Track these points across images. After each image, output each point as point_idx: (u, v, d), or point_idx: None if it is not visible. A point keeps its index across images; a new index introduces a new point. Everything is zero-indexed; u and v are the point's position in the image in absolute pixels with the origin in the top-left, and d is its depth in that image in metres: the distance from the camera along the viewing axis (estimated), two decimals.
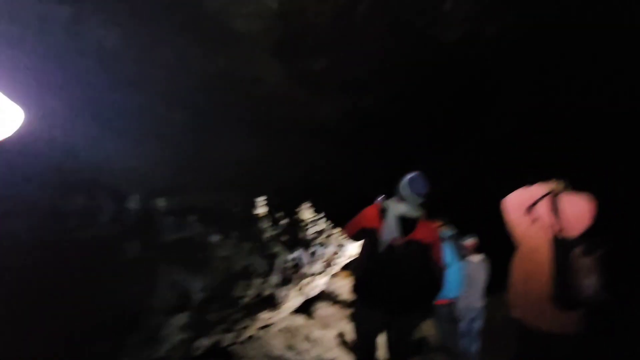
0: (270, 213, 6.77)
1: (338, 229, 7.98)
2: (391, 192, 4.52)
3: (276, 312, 5.95)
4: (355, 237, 4.44)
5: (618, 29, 5.36)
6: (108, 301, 3.36)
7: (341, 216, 6.10)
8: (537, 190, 3.96)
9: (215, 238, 4.84)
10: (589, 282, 3.29)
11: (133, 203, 4.64)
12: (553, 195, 3.93)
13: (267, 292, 6.05)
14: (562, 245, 3.49)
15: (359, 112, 6.12)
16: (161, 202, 5.14)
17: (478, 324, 6.78)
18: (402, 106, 6.16)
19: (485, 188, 6.57)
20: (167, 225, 4.95)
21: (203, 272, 4.95)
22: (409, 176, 4.29)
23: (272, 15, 5.41)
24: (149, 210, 4.82)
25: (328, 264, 7.77)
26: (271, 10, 5.36)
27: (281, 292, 5.87)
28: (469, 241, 7.06)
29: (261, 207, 6.64)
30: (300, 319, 7.52)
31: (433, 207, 4.65)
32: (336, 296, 8.82)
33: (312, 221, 7.43)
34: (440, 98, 6.33)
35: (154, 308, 3.86)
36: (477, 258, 6.93)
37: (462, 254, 6.86)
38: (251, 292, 5.75)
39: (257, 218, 6.51)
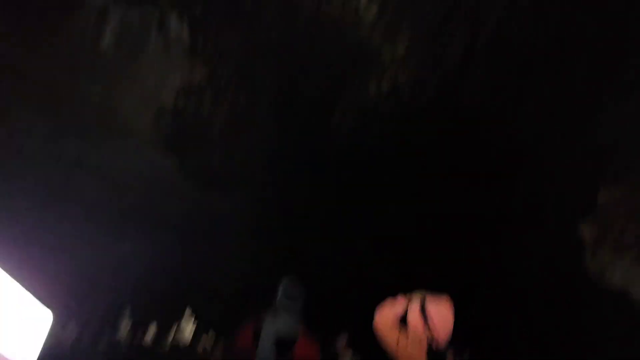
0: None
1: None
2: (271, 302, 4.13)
3: None
4: None
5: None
6: None
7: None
8: (403, 302, 3.97)
9: None
10: None
11: None
12: (420, 304, 3.97)
13: None
14: (436, 356, 3.47)
15: (257, 207, 6.07)
16: None
17: None
18: (297, 202, 6.36)
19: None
20: None
21: None
22: (283, 282, 4.03)
23: (164, 110, 5.46)
24: None
25: None
26: (164, 106, 5.43)
27: None
28: None
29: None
30: None
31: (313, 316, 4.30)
32: None
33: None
34: (331, 195, 6.76)
35: None
36: None
37: None
38: None
39: None
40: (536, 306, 6.43)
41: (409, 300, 3.98)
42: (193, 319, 6.26)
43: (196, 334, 6.29)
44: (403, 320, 3.72)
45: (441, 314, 3.70)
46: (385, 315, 3.97)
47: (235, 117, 5.53)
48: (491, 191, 6.51)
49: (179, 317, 6.42)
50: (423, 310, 3.75)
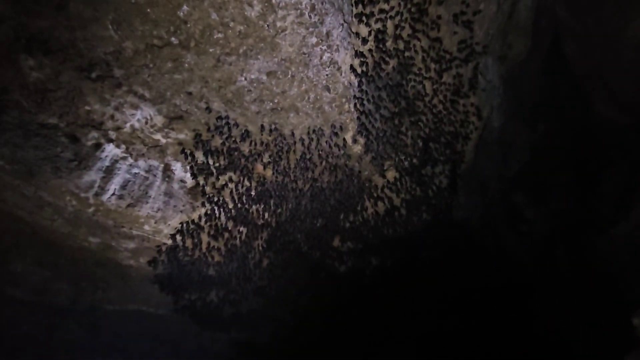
0: None
1: None
2: None
3: None
4: None
5: None
6: None
7: None
8: None
9: None
10: None
11: None
12: None
13: None
14: None
15: (253, 348, 5.67)
16: None
17: None
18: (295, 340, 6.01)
19: None
20: None
21: None
22: None
23: (161, 248, 5.44)
24: None
25: None
26: (160, 245, 5.43)
27: None
28: None
29: None
30: None
31: None
32: None
33: None
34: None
35: None
36: None
37: None
38: None
39: None
40: None
41: None
42: None
43: None
44: None
45: None
46: None
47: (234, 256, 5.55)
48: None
49: None
50: None
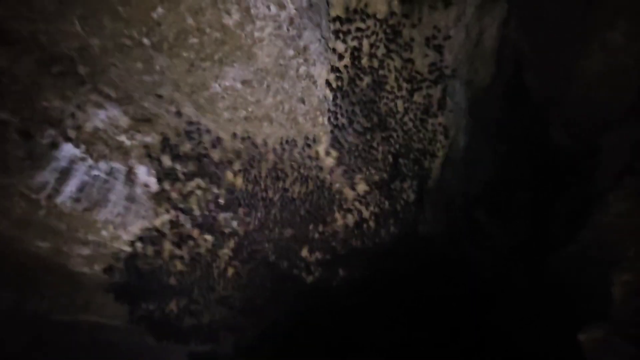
0: None
1: None
2: None
3: None
4: None
5: None
6: None
7: None
8: None
9: None
10: None
11: None
12: None
13: None
14: None
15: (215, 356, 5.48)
16: None
17: None
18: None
19: None
20: None
21: None
22: None
23: (118, 256, 5.17)
24: None
25: None
26: (119, 254, 5.15)
27: None
28: None
29: None
30: None
31: None
32: None
33: None
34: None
35: None
36: None
37: None
38: None
39: None
40: None
41: None
42: None
43: None
44: None
45: None
46: None
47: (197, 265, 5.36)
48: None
49: None
50: None
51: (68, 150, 4.60)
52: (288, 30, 4.56)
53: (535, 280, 6.90)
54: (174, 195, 5.38)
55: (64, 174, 4.73)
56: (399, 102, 6.02)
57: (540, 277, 6.79)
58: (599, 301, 4.61)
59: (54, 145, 4.52)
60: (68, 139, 4.52)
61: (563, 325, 5.77)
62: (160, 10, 4.05)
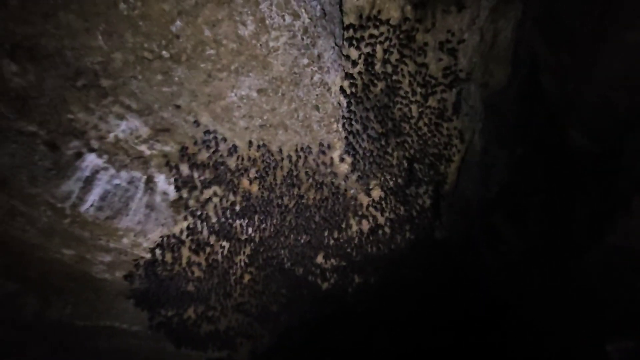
0: None
1: None
2: None
3: None
4: None
5: None
6: None
7: None
8: None
9: None
10: None
11: None
12: None
13: None
14: None
15: None
16: None
17: None
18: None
19: None
20: None
21: None
22: None
23: (138, 262, 5.27)
24: None
25: None
26: (138, 258, 5.26)
27: None
28: None
29: None
30: None
31: None
32: None
33: None
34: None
35: None
36: None
37: None
38: None
39: None
40: None
41: None
42: None
43: None
44: None
45: None
46: None
47: (214, 271, 5.43)
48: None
49: None
50: None
51: (91, 160, 4.75)
52: (302, 39, 4.62)
53: (556, 287, 6.72)
54: (191, 202, 5.47)
55: (88, 184, 4.88)
56: (414, 107, 6.00)
57: (561, 283, 6.60)
58: (627, 310, 4.45)
59: (78, 156, 4.68)
60: (91, 150, 4.68)
61: (588, 335, 5.58)
62: (178, 23, 4.17)
